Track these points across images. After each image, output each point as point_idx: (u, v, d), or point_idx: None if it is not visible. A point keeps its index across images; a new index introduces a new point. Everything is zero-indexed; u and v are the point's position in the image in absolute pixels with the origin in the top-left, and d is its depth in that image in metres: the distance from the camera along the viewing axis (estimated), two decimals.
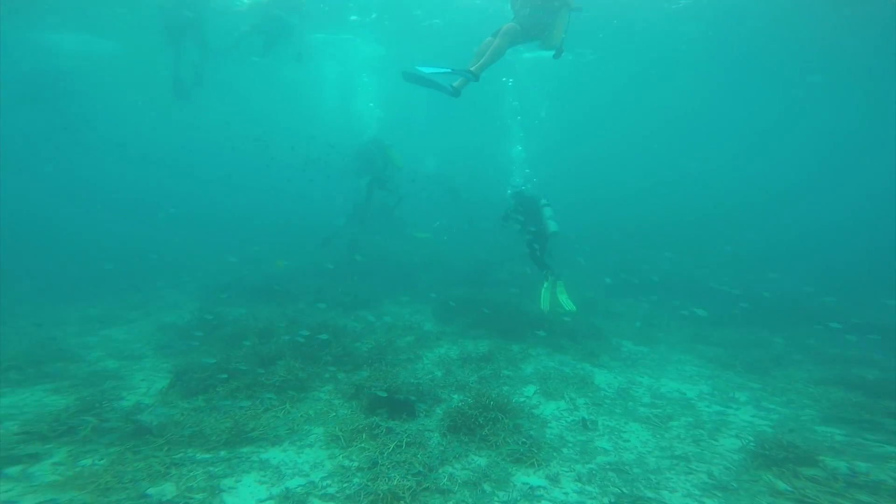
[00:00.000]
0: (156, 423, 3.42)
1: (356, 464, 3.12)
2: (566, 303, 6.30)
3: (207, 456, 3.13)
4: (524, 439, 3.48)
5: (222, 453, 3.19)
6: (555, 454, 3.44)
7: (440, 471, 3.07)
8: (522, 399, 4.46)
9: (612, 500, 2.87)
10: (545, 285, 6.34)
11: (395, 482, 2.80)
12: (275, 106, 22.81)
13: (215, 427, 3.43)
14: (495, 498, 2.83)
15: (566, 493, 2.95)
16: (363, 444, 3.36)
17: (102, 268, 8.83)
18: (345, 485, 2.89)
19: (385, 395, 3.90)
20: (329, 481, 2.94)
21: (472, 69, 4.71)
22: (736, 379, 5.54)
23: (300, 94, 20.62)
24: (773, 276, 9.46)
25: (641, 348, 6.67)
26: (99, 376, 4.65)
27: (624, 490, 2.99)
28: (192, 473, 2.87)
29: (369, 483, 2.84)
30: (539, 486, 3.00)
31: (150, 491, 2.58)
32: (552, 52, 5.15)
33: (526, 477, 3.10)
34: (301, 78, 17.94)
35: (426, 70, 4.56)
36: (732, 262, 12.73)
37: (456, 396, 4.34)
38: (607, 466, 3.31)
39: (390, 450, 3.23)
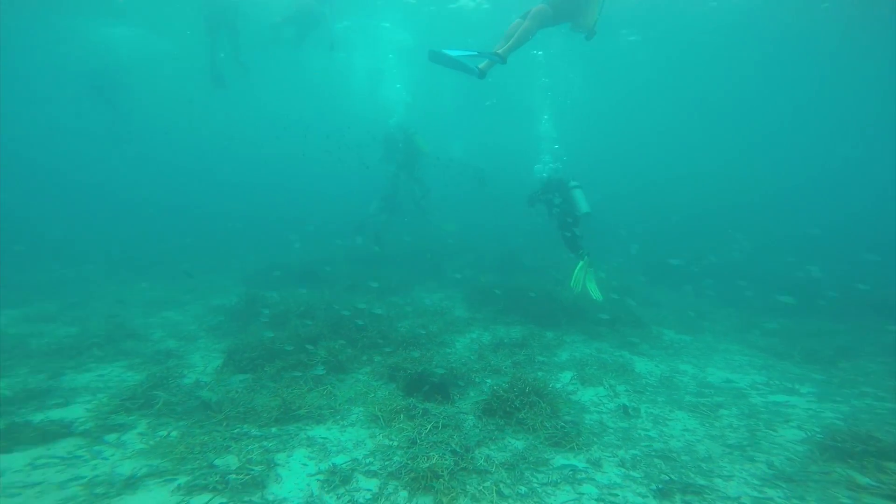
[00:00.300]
0: (214, 400, 3.71)
1: (396, 443, 3.26)
2: (594, 291, 6.16)
3: (260, 432, 3.36)
4: (562, 424, 3.50)
5: (273, 430, 3.42)
6: (595, 439, 3.45)
7: (477, 452, 3.15)
8: (559, 385, 4.47)
9: (660, 486, 2.84)
10: (580, 265, 6.12)
11: (433, 461, 2.89)
12: (307, 95, 23.14)
13: (266, 405, 3.66)
14: (534, 479, 2.88)
15: (609, 478, 2.96)
16: (401, 425, 3.50)
17: (160, 253, 9.51)
18: (386, 462, 3.04)
19: (428, 378, 4.02)
20: (371, 459, 3.10)
21: (498, 52, 4.57)
22: (794, 369, 5.29)
23: (330, 83, 20.77)
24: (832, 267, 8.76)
25: (684, 337, 6.48)
26: (163, 354, 5.06)
27: (672, 476, 2.96)
28: (249, 447, 3.10)
29: (409, 461, 2.95)
30: (580, 470, 3.02)
31: (217, 462, 2.82)
32: (584, 35, 4.88)
33: (565, 460, 3.13)
34: (330, 67, 18.03)
35: (453, 52, 4.48)
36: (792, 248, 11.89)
37: (490, 380, 4.41)
38: (652, 453, 3.28)
39: (427, 430, 3.34)
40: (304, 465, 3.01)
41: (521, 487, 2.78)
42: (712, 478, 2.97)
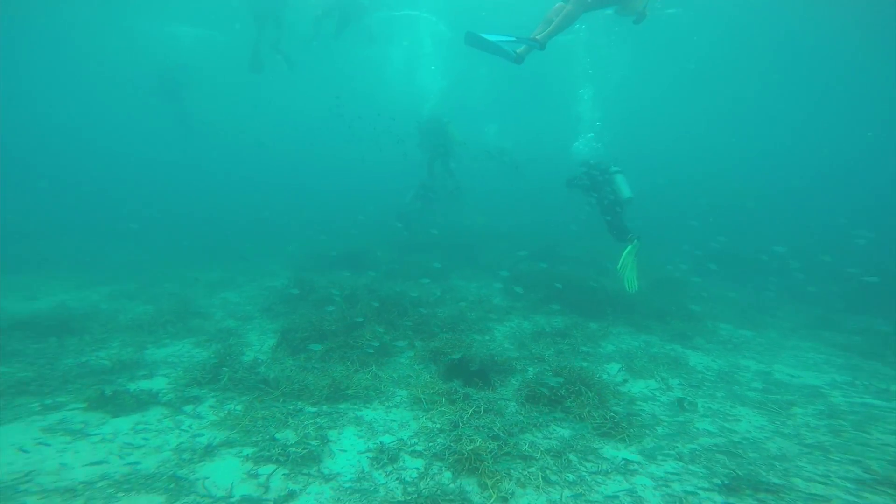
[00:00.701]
0: (272, 377, 3.97)
1: (438, 425, 3.35)
2: (629, 281, 5.84)
3: (313, 409, 3.55)
4: (611, 414, 3.44)
5: (325, 407, 3.60)
6: (647, 431, 3.37)
7: (520, 437, 3.17)
8: (606, 376, 4.38)
9: (725, 482, 2.72)
10: (628, 249, 5.75)
11: (477, 444, 2.94)
12: (346, 87, 23.45)
13: (317, 384, 3.85)
14: (583, 468, 2.86)
15: (665, 470, 2.88)
16: (443, 408, 3.58)
17: (218, 239, 10.21)
18: (430, 444, 3.13)
19: (468, 364, 4.08)
20: (416, 440, 3.22)
21: (537, 37, 4.37)
22: (886, 370, 4.87)
23: (367, 74, 20.88)
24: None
25: (744, 332, 6.14)
26: (224, 333, 5.46)
27: (739, 472, 2.82)
28: (304, 423, 3.30)
29: (453, 444, 3.03)
30: (633, 461, 2.96)
31: (278, 436, 3.04)
32: (632, 19, 4.53)
33: (616, 451, 3.08)
34: (368, 58, 18.07)
35: (490, 37, 4.35)
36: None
37: (532, 368, 4.39)
38: (714, 448, 3.15)
39: (469, 415, 3.40)
40: (354, 442, 3.16)
41: (569, 475, 2.77)
42: (789, 477, 2.79)
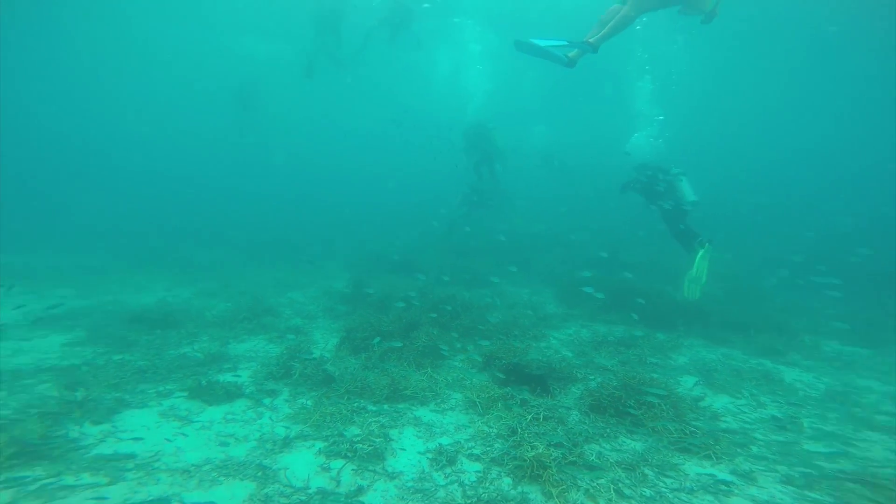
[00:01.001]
0: (336, 374, 4.22)
1: (495, 430, 3.34)
2: (689, 290, 5.38)
3: (375, 408, 3.70)
4: (691, 429, 3.23)
5: (385, 406, 3.74)
6: (739, 450, 3.13)
7: (586, 447, 3.06)
8: (681, 389, 4.12)
9: None
10: (700, 254, 5.40)
11: (539, 451, 2.88)
12: (397, 91, 24.21)
13: (377, 383, 3.99)
14: (661, 484, 2.71)
15: (771, 494, 2.63)
16: (499, 413, 3.56)
17: (284, 242, 11.05)
18: (487, 448, 3.13)
19: (523, 370, 4.03)
20: (472, 443, 3.23)
21: (590, 40, 4.21)
22: None
23: (414, 77, 21.39)
24: None
25: (857, 349, 5.51)
26: (293, 330, 5.88)
27: None
28: (367, 421, 3.45)
29: (512, 449, 3.00)
30: (725, 481, 2.74)
31: (345, 432, 3.23)
32: (700, 19, 4.18)
33: (701, 468, 2.88)
34: (415, 64, 18.50)
35: (540, 42, 4.25)
36: None
37: (594, 377, 4.24)
38: (842, 475, 2.82)
39: (527, 421, 3.35)
40: (414, 442, 3.25)
41: (645, 490, 2.64)
42: None
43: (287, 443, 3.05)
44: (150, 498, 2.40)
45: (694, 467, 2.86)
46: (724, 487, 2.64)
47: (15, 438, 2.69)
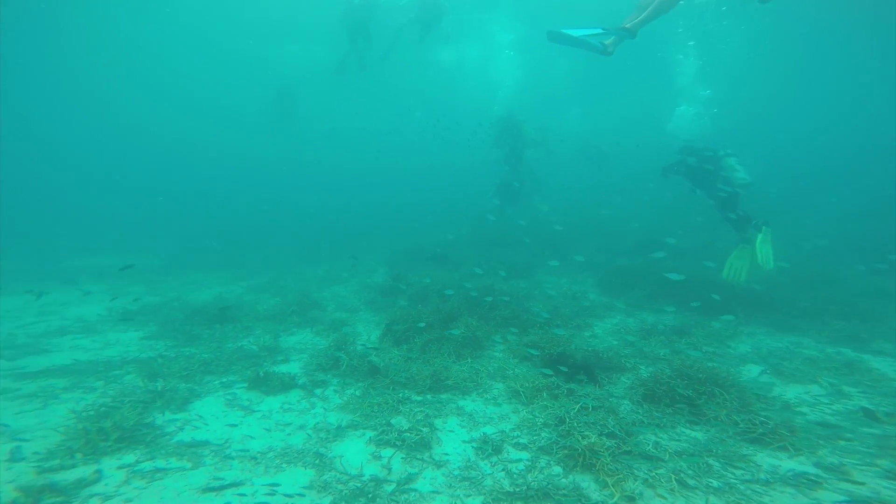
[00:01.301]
0: (381, 365, 4.33)
1: (541, 419, 3.28)
2: (732, 270, 4.95)
3: (419, 398, 3.74)
4: (761, 419, 3.02)
5: (428, 397, 3.78)
6: (821, 442, 2.90)
7: (641, 437, 2.95)
8: (744, 378, 3.87)
9: None
10: (760, 238, 5.01)
11: (591, 440, 2.80)
12: (428, 86, 24.10)
13: (420, 373, 4.05)
14: (730, 475, 2.55)
15: (876, 491, 2.41)
16: (545, 402, 3.49)
17: (322, 238, 11.46)
18: (534, 437, 3.09)
19: (568, 359, 3.93)
20: (518, 433, 3.20)
21: (627, 26, 3.93)
22: None
23: (443, 71, 21.16)
24: None
25: None
26: (337, 323, 6.10)
27: None
28: (413, 411, 3.50)
29: (561, 438, 2.94)
30: (808, 474, 2.55)
31: (392, 421, 3.31)
32: None
33: (776, 460, 2.69)
34: (444, 60, 18.27)
35: (574, 32, 4.01)
36: None
37: (644, 366, 4.07)
38: None
39: (575, 410, 3.26)
40: (458, 432, 3.26)
41: (712, 480, 2.49)
42: None
43: (340, 432, 3.17)
44: (227, 482, 2.58)
45: (768, 459, 2.67)
46: (807, 480, 2.43)
47: (117, 424, 3.00)
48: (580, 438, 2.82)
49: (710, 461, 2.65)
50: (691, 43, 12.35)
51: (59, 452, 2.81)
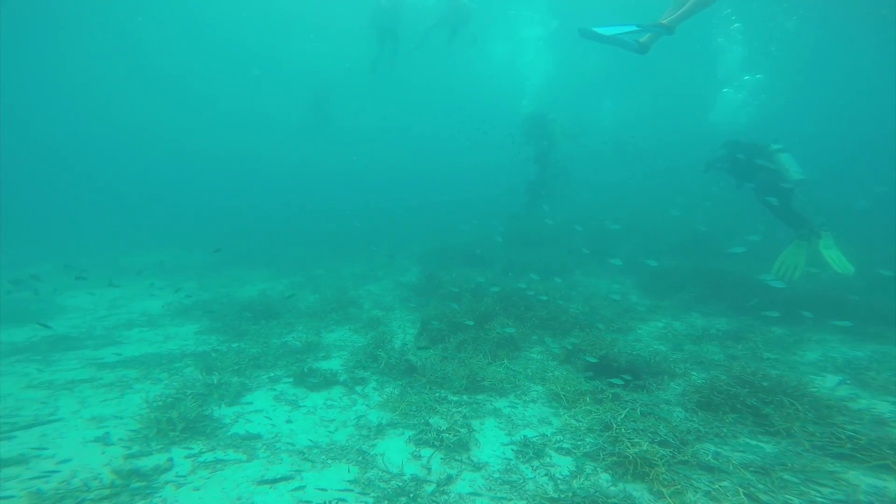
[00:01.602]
0: (418, 364, 4.33)
1: (585, 424, 3.15)
2: (784, 266, 4.55)
3: (455, 398, 3.70)
4: (846, 434, 2.76)
5: (465, 397, 3.73)
6: None
7: (699, 446, 2.76)
8: (818, 389, 3.53)
9: None
10: (822, 243, 4.67)
11: (643, 448, 2.66)
12: (456, 85, 24.09)
13: (456, 373, 4.01)
14: (814, 492, 2.34)
15: None
16: (588, 407, 3.36)
17: (356, 236, 11.73)
18: (578, 442, 2.97)
19: (612, 363, 3.77)
20: (560, 437, 3.09)
21: (664, 22, 3.69)
22: None
23: (472, 74, 21.06)
24: None
25: None
26: (374, 321, 6.17)
27: None
28: (450, 411, 3.46)
29: (608, 445, 2.81)
30: None
31: (430, 421, 3.29)
32: None
33: (879, 481, 2.44)
34: (473, 58, 18.17)
35: (606, 31, 3.81)
36: None
37: (697, 373, 3.82)
38: None
39: (622, 416, 3.11)
40: (496, 434, 3.18)
41: (791, 497, 2.30)
42: None
43: (380, 430, 3.21)
44: (279, 476, 2.68)
45: (865, 478, 2.40)
46: None
47: (182, 415, 3.21)
48: (630, 446, 2.68)
49: (786, 476, 2.43)
50: (738, 24, 11.45)
51: (137, 439, 3.06)
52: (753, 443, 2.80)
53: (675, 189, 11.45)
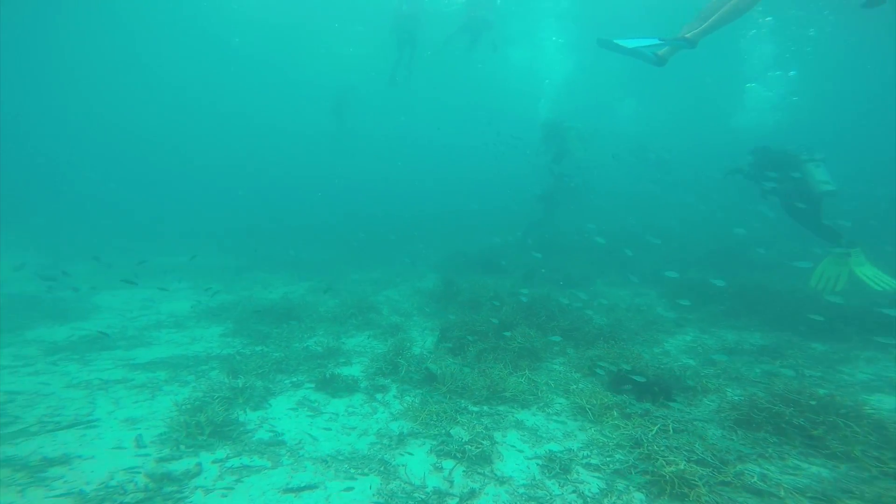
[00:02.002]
0: (438, 373, 4.26)
1: (613, 440, 3.03)
2: (823, 277, 4.30)
3: (476, 409, 3.62)
4: None
5: (485, 408, 3.64)
6: None
7: (741, 467, 2.60)
8: (874, 411, 3.30)
9: None
10: (853, 259, 4.45)
11: (681, 466, 2.52)
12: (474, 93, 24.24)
13: (477, 383, 3.92)
14: None
15: None
16: (615, 422, 3.22)
17: (376, 243, 11.80)
18: (607, 459, 2.84)
19: (637, 377, 3.62)
20: (587, 452, 2.97)
21: (687, 35, 3.58)
22: None
23: (492, 80, 21.16)
24: None
25: None
26: (392, 328, 6.14)
27: None
28: (472, 422, 3.37)
29: (640, 462, 2.69)
30: None
31: (452, 432, 3.21)
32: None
33: None
34: (492, 65, 18.25)
35: (626, 43, 3.74)
36: None
37: (732, 389, 3.64)
38: None
39: (653, 432, 2.97)
40: (520, 447, 3.08)
41: None
42: None
43: (401, 440, 3.15)
44: (304, 484, 2.66)
45: None
46: None
47: (209, 419, 3.24)
48: (665, 464, 2.54)
49: (845, 500, 2.25)
50: (769, 18, 11.07)
51: (168, 443, 3.10)
52: (805, 465, 2.62)
53: (699, 197, 11.12)
